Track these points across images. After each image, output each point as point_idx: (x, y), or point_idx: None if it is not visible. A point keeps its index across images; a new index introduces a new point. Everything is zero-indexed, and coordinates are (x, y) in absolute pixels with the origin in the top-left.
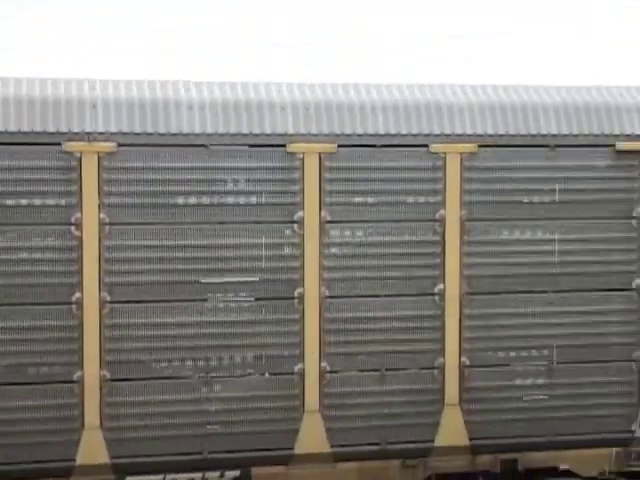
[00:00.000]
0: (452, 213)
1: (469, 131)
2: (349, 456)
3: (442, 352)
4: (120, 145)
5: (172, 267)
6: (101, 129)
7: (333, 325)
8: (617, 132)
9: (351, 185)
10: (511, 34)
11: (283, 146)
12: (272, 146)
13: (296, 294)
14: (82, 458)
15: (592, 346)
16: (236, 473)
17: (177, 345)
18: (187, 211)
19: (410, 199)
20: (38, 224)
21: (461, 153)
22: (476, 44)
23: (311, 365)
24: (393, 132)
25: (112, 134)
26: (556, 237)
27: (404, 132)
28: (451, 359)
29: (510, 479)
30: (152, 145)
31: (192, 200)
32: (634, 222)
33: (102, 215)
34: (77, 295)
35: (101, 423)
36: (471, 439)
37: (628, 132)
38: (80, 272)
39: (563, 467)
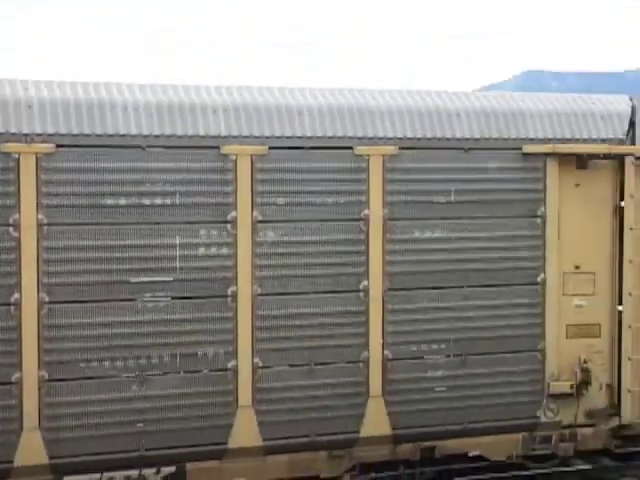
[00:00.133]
0: (375, 212)
1: (390, 134)
2: (280, 449)
3: (367, 346)
4: (58, 146)
5: (109, 267)
6: (39, 130)
7: (265, 322)
8: (523, 136)
9: (281, 186)
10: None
11: (217, 148)
12: (206, 148)
13: (229, 292)
14: (21, 459)
15: (502, 338)
16: (172, 469)
17: (113, 344)
18: (124, 212)
19: (337, 199)
20: None
21: (383, 155)
22: (476, 44)
23: (244, 361)
24: (320, 135)
25: (50, 135)
26: (470, 235)
27: (330, 135)
28: (375, 353)
29: (429, 465)
30: (90, 146)
31: (129, 201)
32: (539, 220)
33: (40, 216)
34: (16, 296)
35: (40, 424)
36: (393, 429)
37: (532, 136)
38: (18, 273)
39: (473, 453)
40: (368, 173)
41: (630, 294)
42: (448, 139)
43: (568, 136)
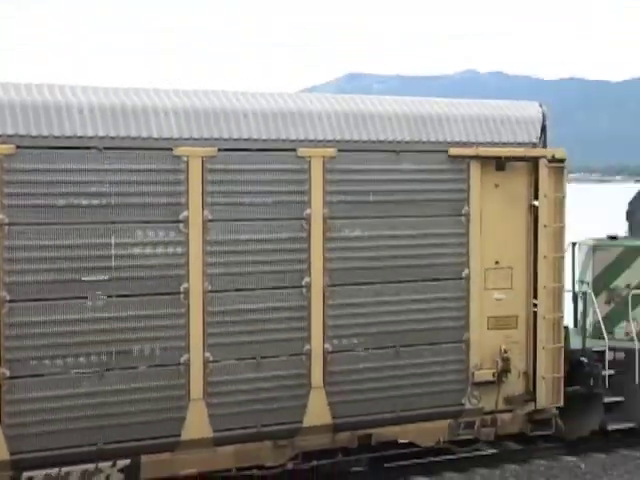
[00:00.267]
0: (316, 211)
1: (329, 137)
2: (229, 440)
3: (309, 339)
4: (18, 147)
5: (67, 266)
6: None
7: (215, 318)
8: (449, 139)
9: (230, 186)
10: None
11: (170, 149)
12: (160, 149)
13: (182, 289)
14: None
15: (430, 330)
16: (127, 462)
17: (71, 341)
18: (82, 211)
19: (281, 199)
20: None
21: (323, 157)
22: (476, 44)
23: (196, 356)
24: (265, 137)
25: (9, 136)
26: (401, 233)
27: (274, 137)
28: (316, 346)
29: (366, 452)
30: (49, 147)
31: (86, 201)
32: (463, 219)
33: (1, 216)
34: None
35: (0, 420)
36: (333, 418)
37: (457, 139)
38: None
39: (402, 440)
40: (310, 174)
41: (544, 288)
42: (382, 142)
43: (488, 140)
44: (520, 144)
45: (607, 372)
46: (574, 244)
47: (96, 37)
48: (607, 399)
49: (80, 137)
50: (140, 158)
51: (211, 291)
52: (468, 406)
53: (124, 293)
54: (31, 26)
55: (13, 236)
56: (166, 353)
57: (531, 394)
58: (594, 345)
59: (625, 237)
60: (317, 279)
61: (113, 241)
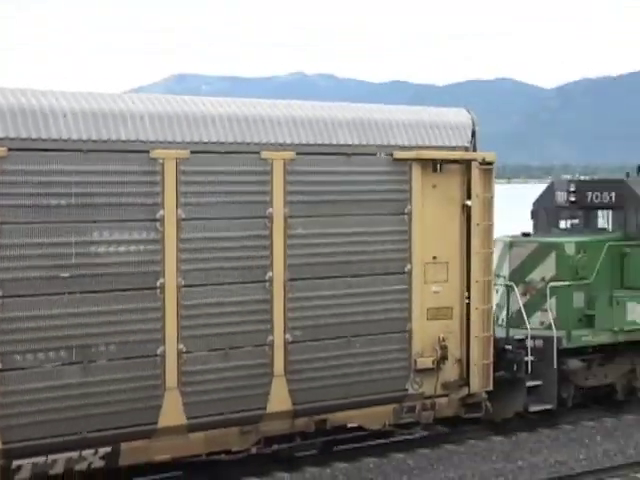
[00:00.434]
0: (277, 211)
1: (288, 140)
2: (200, 427)
3: (271, 331)
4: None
5: (52, 263)
6: None
7: (188, 311)
8: (394, 143)
9: (201, 187)
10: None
11: (147, 152)
12: (138, 152)
13: (158, 284)
14: None
15: (377, 321)
16: (108, 449)
17: (56, 335)
18: (67, 211)
19: (246, 198)
20: None
21: (284, 159)
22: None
23: (170, 347)
24: (231, 141)
25: (1, 139)
26: (351, 230)
27: (240, 141)
28: (278, 336)
29: (322, 435)
30: (37, 150)
31: (72, 201)
32: (406, 218)
33: None
34: None
35: None
36: (293, 404)
37: (401, 143)
38: None
39: (352, 424)
40: (272, 175)
41: (477, 281)
42: (335, 145)
43: (427, 144)
44: (454, 148)
45: (529, 358)
46: None
47: (96, 37)
48: (529, 383)
49: (65, 140)
50: (120, 160)
51: (184, 286)
52: (411, 391)
53: (104, 288)
54: (31, 26)
55: (5, 235)
56: (144, 345)
57: (465, 380)
58: (515, 334)
59: (539, 234)
60: (278, 274)
61: (95, 239)
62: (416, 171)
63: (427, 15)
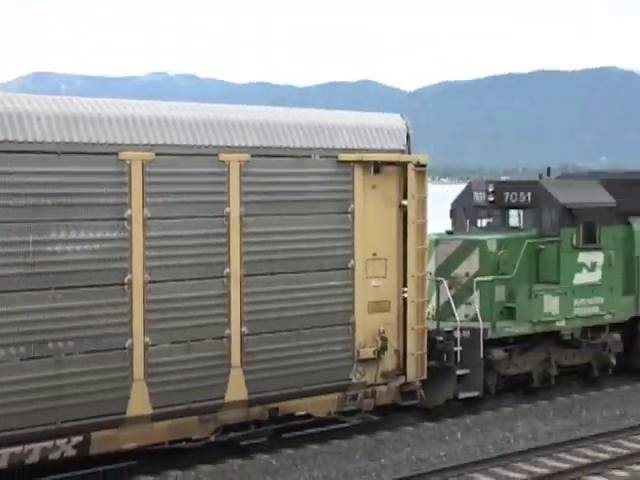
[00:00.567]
0: (234, 210)
1: (243, 143)
2: (164, 416)
3: (229, 324)
4: None
5: (32, 260)
6: None
7: (153, 305)
8: (339, 147)
9: (165, 187)
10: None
11: (116, 154)
12: (107, 154)
13: (126, 280)
14: None
15: (324, 314)
16: (79, 438)
17: (30, 330)
18: (44, 210)
19: (206, 198)
20: None
21: (240, 161)
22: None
23: (137, 340)
24: (192, 143)
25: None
26: (299, 229)
27: (200, 144)
28: (235, 329)
29: (274, 423)
30: (13, 152)
31: (46, 200)
32: (349, 216)
33: None
34: None
35: None
36: (249, 394)
37: (344, 146)
38: None
39: (300, 412)
40: (229, 177)
41: (412, 276)
42: (287, 148)
43: (367, 147)
44: (392, 151)
45: (458, 349)
46: None
47: (96, 37)
48: (458, 372)
49: (40, 142)
50: (91, 162)
51: (150, 282)
52: (354, 380)
53: (77, 285)
54: (31, 26)
55: None
56: (113, 339)
57: (402, 369)
58: (445, 326)
59: (458, 232)
60: (235, 270)
61: (70, 237)
62: (358, 172)
63: (296, 15)
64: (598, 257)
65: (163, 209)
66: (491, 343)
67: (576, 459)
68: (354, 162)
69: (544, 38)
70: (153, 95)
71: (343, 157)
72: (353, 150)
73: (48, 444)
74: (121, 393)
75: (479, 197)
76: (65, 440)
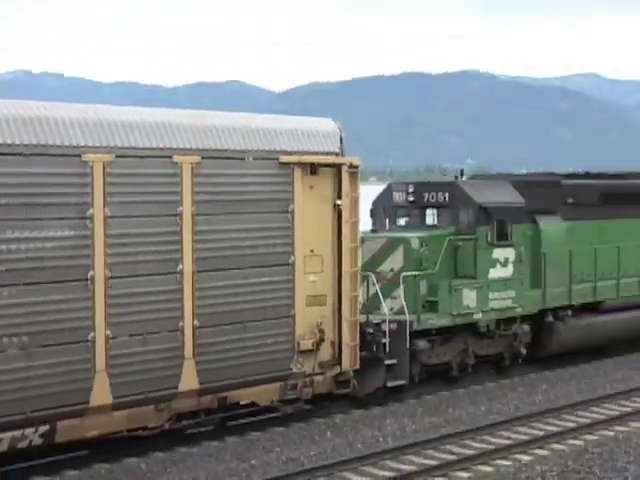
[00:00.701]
0: (186, 209)
1: (194, 146)
2: (123, 405)
3: (182, 317)
4: None
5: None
6: None
7: (113, 300)
8: (277, 149)
9: (124, 188)
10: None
11: (79, 156)
12: (71, 156)
13: (89, 276)
14: None
15: (267, 307)
16: (46, 428)
17: (3, 324)
18: (14, 209)
19: (161, 198)
20: None
21: (191, 163)
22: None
23: (99, 333)
24: (148, 146)
25: None
26: (244, 227)
27: (154, 146)
28: (188, 322)
29: (222, 412)
30: None
31: (13, 200)
32: (289, 215)
33: None
34: None
35: None
36: (200, 384)
37: (284, 149)
38: None
39: (244, 402)
40: (181, 177)
41: (346, 272)
42: (232, 151)
43: (305, 149)
44: (327, 153)
45: (386, 340)
46: None
47: (96, 37)
48: (387, 362)
49: (9, 144)
50: (55, 163)
51: (111, 277)
52: (295, 370)
53: (42, 281)
54: (31, 26)
55: None
56: (77, 332)
57: (337, 359)
58: (373, 319)
59: (379, 231)
60: (188, 266)
61: (34, 235)
62: (297, 174)
63: (163, 18)
64: (510, 253)
65: (122, 208)
66: (415, 335)
67: (443, 456)
68: (294, 164)
69: (415, 40)
70: (14, 94)
71: (284, 159)
72: (293, 152)
73: (17, 433)
74: (85, 384)
75: (399, 197)
76: (33, 429)
